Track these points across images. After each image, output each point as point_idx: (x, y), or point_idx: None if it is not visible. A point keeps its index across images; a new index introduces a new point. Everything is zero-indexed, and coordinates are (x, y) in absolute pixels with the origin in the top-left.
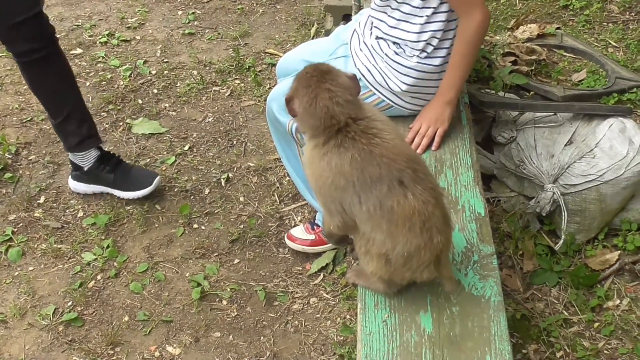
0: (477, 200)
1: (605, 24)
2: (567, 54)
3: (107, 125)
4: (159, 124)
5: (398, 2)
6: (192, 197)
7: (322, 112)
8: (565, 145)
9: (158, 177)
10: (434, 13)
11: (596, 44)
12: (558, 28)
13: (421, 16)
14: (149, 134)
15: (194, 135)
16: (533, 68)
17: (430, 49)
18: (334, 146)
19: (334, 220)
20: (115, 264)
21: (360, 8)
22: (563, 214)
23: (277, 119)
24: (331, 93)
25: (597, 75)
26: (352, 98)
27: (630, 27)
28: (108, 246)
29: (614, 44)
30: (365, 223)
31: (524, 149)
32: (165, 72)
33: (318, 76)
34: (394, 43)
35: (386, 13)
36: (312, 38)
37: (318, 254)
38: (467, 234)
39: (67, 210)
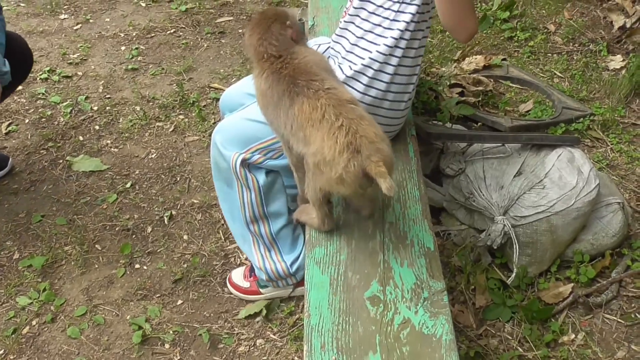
0: (426, 234)
1: (550, 54)
2: (514, 85)
3: (46, 163)
4: (100, 161)
5: (369, 12)
6: (133, 236)
7: (251, 48)
8: (515, 176)
9: (10, 159)
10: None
11: (542, 74)
12: (504, 59)
13: (399, 20)
14: (90, 171)
15: (137, 172)
16: (480, 99)
17: (395, 60)
18: (260, 73)
19: (287, 154)
20: (52, 307)
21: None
22: (514, 246)
23: (221, 153)
24: (259, 36)
25: (544, 105)
26: (277, 43)
27: (575, 57)
28: (45, 289)
29: (559, 74)
30: (292, 141)
31: (473, 181)
32: (108, 108)
33: (256, 23)
34: (350, 67)
35: (354, 23)
36: None
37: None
38: (416, 270)
39: (2, 252)
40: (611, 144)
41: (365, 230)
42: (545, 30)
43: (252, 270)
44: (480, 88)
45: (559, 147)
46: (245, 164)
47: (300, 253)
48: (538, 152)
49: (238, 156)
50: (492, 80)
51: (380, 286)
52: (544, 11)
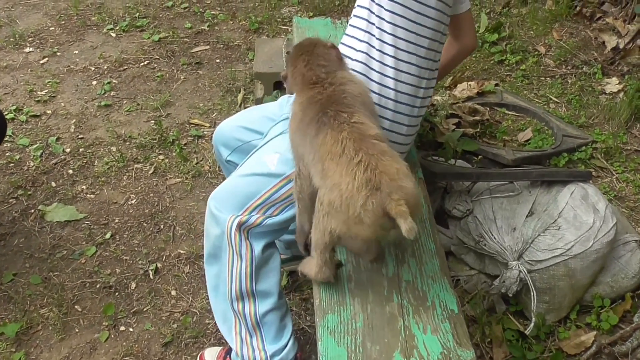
0: (447, 294)
1: (543, 78)
2: (509, 112)
3: (16, 214)
4: (75, 210)
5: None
6: (116, 293)
7: (299, 77)
8: (527, 216)
9: None
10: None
11: (537, 99)
12: (497, 85)
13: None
14: (65, 221)
15: (116, 220)
16: (478, 129)
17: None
18: (301, 97)
19: (299, 177)
20: None
21: None
22: (532, 293)
23: (215, 217)
24: (305, 62)
25: (543, 134)
26: (326, 63)
27: (569, 81)
28: None
29: (554, 99)
30: (311, 172)
31: (483, 223)
32: (81, 149)
33: (298, 51)
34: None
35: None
36: (240, 105)
37: None
38: (441, 337)
39: None
40: (616, 173)
41: (381, 291)
42: (536, 52)
43: (229, 352)
44: (477, 117)
45: (571, 182)
46: (243, 229)
47: (285, 346)
48: (549, 188)
49: (234, 219)
50: (487, 108)
51: (404, 358)
52: (531, 32)
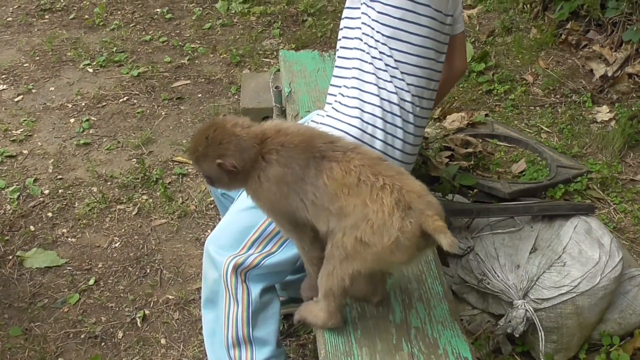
0: (459, 340)
1: (532, 107)
2: (501, 143)
3: None
4: (56, 255)
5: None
6: (103, 344)
7: (250, 139)
8: (530, 252)
9: None
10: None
11: (528, 129)
12: (487, 115)
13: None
14: (45, 267)
15: (100, 265)
16: (472, 162)
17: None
18: (261, 164)
19: (304, 241)
20: None
21: (282, 110)
22: (539, 333)
23: (213, 260)
24: (233, 124)
25: (537, 165)
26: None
27: (559, 110)
28: None
29: (546, 129)
30: (321, 221)
31: (485, 260)
32: (60, 190)
33: (217, 126)
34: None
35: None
36: None
37: None
38: None
39: None
40: (614, 204)
41: (389, 340)
42: (524, 81)
43: None
44: (470, 150)
45: (573, 216)
46: (240, 271)
47: None
48: (551, 223)
49: (230, 261)
50: (479, 139)
51: None
52: (518, 61)
